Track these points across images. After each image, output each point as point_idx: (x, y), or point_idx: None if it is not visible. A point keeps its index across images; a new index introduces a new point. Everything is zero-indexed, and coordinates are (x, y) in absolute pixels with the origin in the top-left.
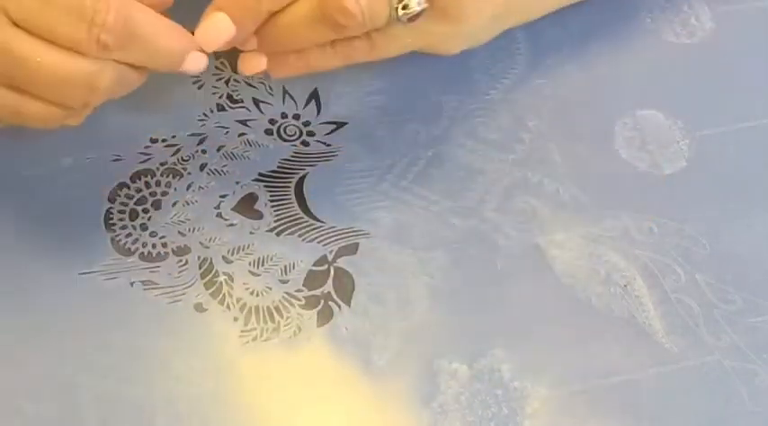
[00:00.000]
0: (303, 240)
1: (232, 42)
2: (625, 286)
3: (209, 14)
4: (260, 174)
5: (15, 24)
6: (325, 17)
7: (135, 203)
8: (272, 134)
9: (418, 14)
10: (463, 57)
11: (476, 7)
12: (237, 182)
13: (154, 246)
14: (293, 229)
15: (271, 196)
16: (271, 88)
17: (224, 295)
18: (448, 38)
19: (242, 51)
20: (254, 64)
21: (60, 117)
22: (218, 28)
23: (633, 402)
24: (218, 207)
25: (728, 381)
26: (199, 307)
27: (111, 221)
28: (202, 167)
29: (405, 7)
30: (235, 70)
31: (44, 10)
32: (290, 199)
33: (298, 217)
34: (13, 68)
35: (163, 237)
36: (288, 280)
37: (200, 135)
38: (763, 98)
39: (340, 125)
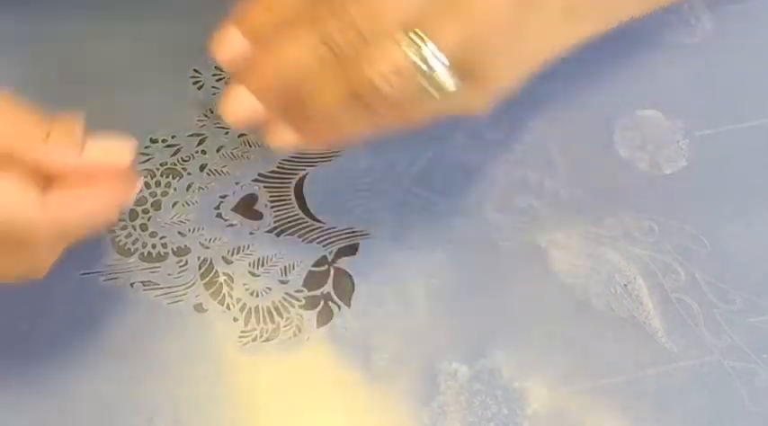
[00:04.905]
0: (303, 240)
1: (257, 118)
2: (625, 285)
3: (231, 89)
4: (260, 175)
5: None
6: (356, 99)
7: (135, 203)
8: None
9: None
10: None
11: (506, 71)
12: (237, 183)
13: (154, 247)
14: (293, 230)
15: (271, 196)
16: None
17: (224, 295)
18: (478, 99)
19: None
20: (285, 137)
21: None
22: (240, 103)
23: (633, 402)
24: (218, 207)
25: (728, 381)
26: (199, 308)
27: None
28: (202, 168)
29: (437, 87)
30: None
31: None
32: (289, 199)
33: (297, 217)
34: None
35: (163, 238)
36: (288, 281)
37: (199, 135)
38: (763, 98)
39: None
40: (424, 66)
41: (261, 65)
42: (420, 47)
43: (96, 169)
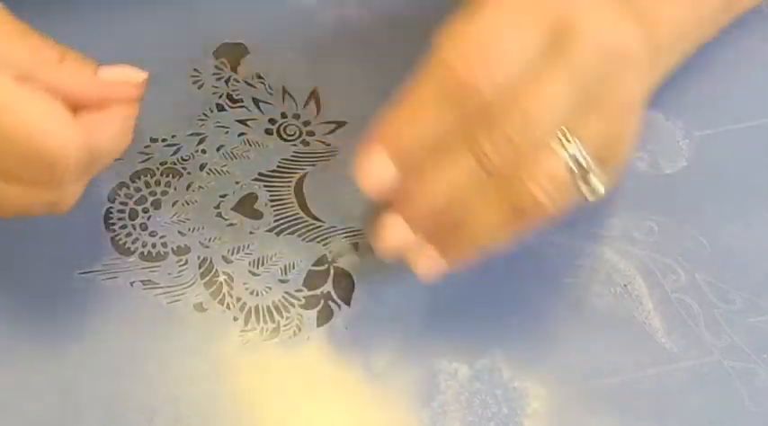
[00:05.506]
0: (303, 240)
1: (408, 245)
2: (625, 285)
3: (387, 218)
4: (260, 174)
5: None
6: (518, 216)
7: (135, 203)
8: (272, 134)
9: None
10: None
11: (633, 147)
12: (237, 182)
13: (154, 246)
14: (293, 229)
15: (270, 196)
16: (270, 88)
17: (224, 294)
18: (611, 183)
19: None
20: (434, 264)
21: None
22: (395, 233)
23: (633, 402)
24: (217, 206)
25: (728, 381)
26: (198, 307)
27: (110, 221)
28: (202, 167)
29: (592, 188)
30: (235, 70)
31: (5, 157)
32: (289, 198)
33: (297, 216)
34: None
35: (163, 237)
36: (287, 280)
37: (199, 134)
38: (763, 98)
39: (340, 125)
40: (579, 171)
41: (416, 194)
42: (573, 150)
43: (111, 92)
